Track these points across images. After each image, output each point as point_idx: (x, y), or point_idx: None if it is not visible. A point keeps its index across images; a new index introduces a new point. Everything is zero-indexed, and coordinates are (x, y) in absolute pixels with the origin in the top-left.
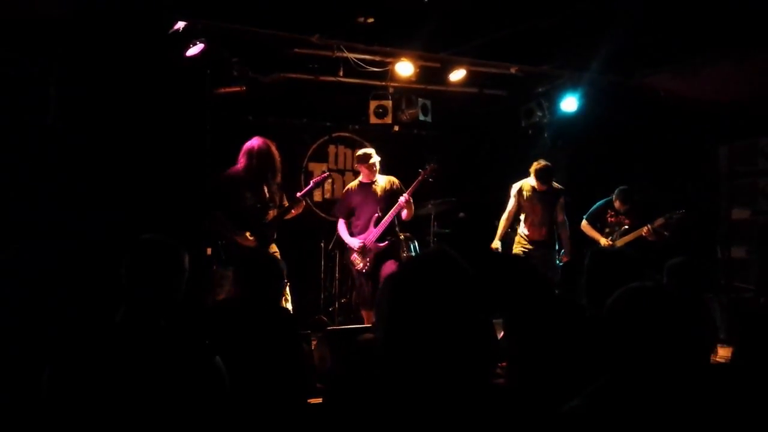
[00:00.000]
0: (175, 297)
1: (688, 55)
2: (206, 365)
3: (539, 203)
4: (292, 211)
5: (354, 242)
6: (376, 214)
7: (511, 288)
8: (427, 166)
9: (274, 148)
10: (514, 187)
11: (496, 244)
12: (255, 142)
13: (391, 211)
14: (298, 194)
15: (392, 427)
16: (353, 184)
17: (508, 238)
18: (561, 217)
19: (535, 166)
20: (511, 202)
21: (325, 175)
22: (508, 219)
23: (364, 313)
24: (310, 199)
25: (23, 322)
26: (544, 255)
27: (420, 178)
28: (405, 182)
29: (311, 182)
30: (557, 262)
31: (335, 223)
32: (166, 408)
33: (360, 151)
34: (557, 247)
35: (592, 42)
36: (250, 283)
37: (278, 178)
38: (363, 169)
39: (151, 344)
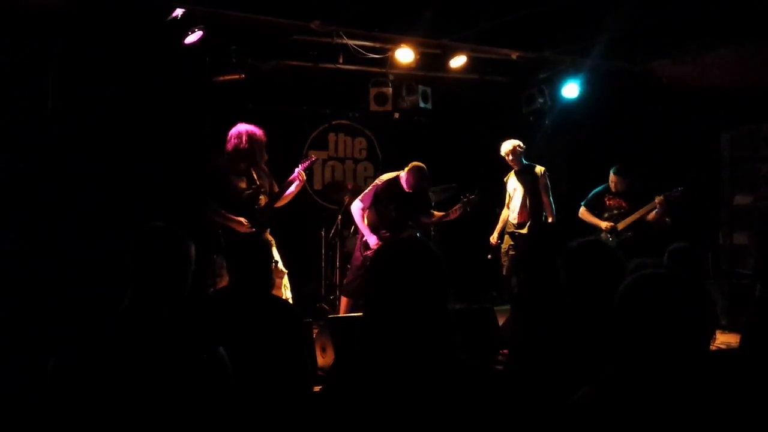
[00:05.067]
0: (180, 288)
1: (691, 41)
2: (210, 355)
3: (519, 184)
4: (285, 194)
5: (372, 240)
6: (413, 218)
7: (520, 275)
8: (466, 197)
9: (258, 132)
10: (505, 179)
11: (494, 236)
12: (242, 126)
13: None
14: (299, 168)
15: (389, 414)
16: (390, 178)
17: None
18: (545, 198)
19: (502, 148)
20: (507, 195)
21: (313, 159)
22: (507, 210)
23: (344, 300)
24: (309, 186)
25: (27, 310)
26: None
27: (459, 206)
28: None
29: (300, 165)
30: None
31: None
32: (170, 398)
33: (423, 168)
34: None
35: (593, 28)
36: (238, 270)
37: (264, 160)
38: (413, 184)
39: (154, 333)
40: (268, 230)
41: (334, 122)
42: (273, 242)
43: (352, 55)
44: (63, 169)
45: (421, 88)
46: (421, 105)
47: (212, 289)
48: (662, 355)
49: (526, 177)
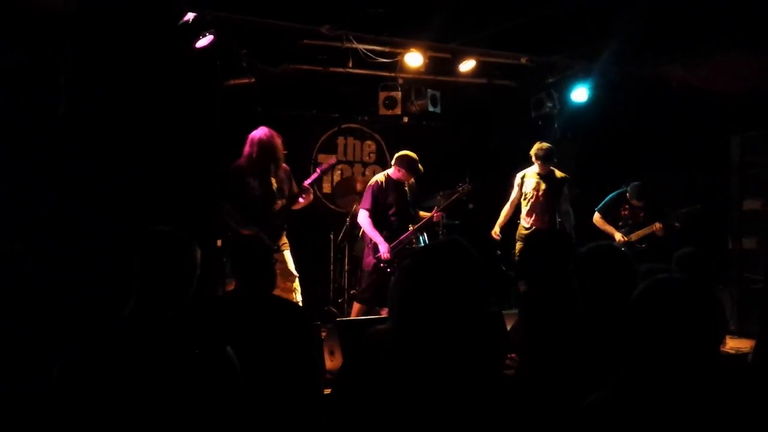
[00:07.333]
0: (185, 292)
1: (701, 45)
2: (218, 356)
3: (541, 190)
4: (301, 200)
5: (384, 246)
6: (412, 214)
7: (531, 277)
8: (461, 186)
9: (276, 138)
10: (518, 176)
11: (496, 230)
12: (257, 132)
13: (424, 220)
14: (306, 183)
15: (400, 417)
16: (381, 178)
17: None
18: (564, 207)
19: (535, 147)
20: (515, 191)
21: (332, 162)
22: (511, 207)
23: (356, 306)
24: (318, 189)
25: (33, 313)
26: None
27: (455, 196)
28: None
29: (317, 170)
30: None
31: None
32: (176, 401)
33: (411, 155)
34: None
35: (603, 32)
36: (237, 270)
37: (282, 168)
38: (406, 173)
39: (160, 337)
40: (285, 233)
41: (343, 126)
42: (287, 245)
43: (361, 59)
44: (74, 172)
45: (430, 92)
46: (430, 109)
47: (221, 291)
48: (675, 360)
49: (549, 183)
